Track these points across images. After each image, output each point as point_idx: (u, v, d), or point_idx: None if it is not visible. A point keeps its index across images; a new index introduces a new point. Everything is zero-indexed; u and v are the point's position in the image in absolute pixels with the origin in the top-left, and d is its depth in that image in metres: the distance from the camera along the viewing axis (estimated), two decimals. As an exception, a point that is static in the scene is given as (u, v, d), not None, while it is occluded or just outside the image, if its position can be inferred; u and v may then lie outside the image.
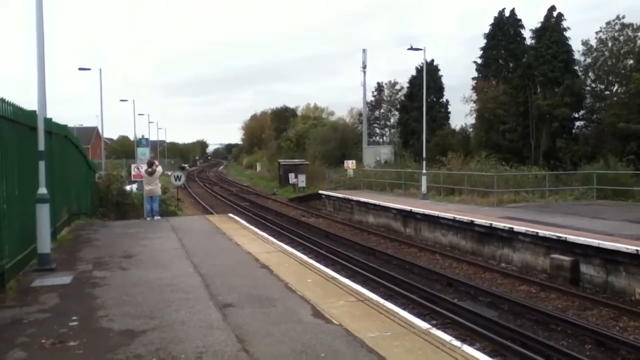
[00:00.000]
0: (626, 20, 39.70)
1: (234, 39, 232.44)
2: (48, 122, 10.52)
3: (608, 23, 40.44)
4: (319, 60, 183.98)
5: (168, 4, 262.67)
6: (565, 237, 13.03)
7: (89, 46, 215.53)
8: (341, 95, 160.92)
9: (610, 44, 40.30)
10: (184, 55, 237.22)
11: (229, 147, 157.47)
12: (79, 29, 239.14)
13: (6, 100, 7.47)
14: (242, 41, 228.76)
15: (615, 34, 40.08)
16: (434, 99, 49.52)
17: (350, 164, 37.40)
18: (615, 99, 39.55)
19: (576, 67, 41.83)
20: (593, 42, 41.05)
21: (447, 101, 52.09)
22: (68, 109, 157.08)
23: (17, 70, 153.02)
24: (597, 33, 40.99)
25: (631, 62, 39.16)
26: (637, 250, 11.17)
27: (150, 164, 16.89)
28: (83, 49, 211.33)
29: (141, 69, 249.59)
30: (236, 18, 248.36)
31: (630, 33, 39.42)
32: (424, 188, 24.42)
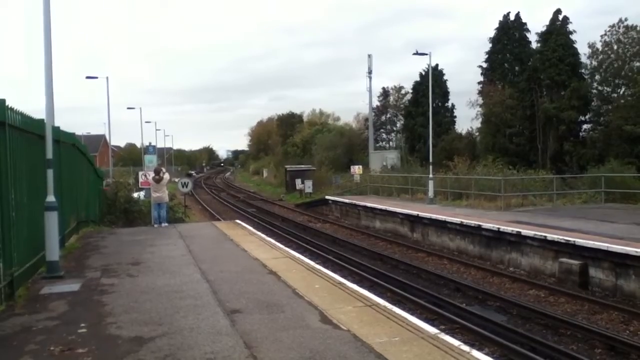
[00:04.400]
0: (630, 23, 39.68)
1: (251, 45, 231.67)
2: (56, 130, 10.59)
3: (612, 26, 40.42)
4: (333, 66, 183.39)
5: (181, 9, 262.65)
6: (574, 241, 12.96)
7: (97, 53, 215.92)
8: (350, 101, 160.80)
9: (615, 47, 40.20)
10: (197, 61, 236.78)
11: (236, 154, 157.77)
12: (86, 35, 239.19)
13: (15, 109, 7.52)
14: (259, 47, 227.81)
15: (621, 37, 39.99)
16: (440, 104, 49.50)
17: (356, 169, 37.38)
18: (622, 101, 39.39)
19: (582, 70, 41.74)
20: (599, 46, 41.04)
21: (453, 106, 52.07)
22: (76, 117, 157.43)
23: (16, 70, 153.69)
24: (601, 36, 40.99)
25: (638, 64, 39.03)
26: (646, 253, 11.10)
27: (157, 172, 16.95)
28: (90, 56, 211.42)
29: (153, 75, 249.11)
30: (250, 20, 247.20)
31: (635, 35, 39.31)
32: (431, 193, 24.37)
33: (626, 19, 39.84)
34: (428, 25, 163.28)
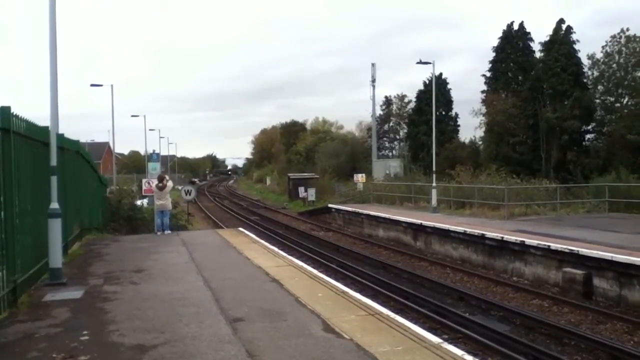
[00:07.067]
0: (631, 33, 39.76)
1: (261, 52, 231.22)
2: (60, 137, 10.62)
3: (613, 36, 40.53)
4: (340, 75, 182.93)
5: (189, 14, 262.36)
6: (578, 250, 12.91)
7: (103, 60, 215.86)
8: (354, 109, 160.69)
9: (617, 57, 40.25)
10: (206, 69, 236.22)
11: (246, 162, 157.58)
12: (93, 41, 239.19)
13: (19, 116, 7.55)
14: (270, 55, 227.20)
15: (622, 47, 40.05)
16: (443, 112, 49.54)
17: (360, 178, 37.42)
18: (625, 111, 39.37)
19: (585, 80, 41.76)
20: (599, 56, 41.14)
21: (457, 114, 52.08)
22: (80, 124, 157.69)
23: (20, 76, 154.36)
24: (603, 47, 41.10)
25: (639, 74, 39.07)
26: (650, 263, 11.05)
27: (160, 179, 16.97)
28: (97, 63, 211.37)
29: (160, 82, 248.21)
30: (259, 27, 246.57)
31: (636, 45, 39.37)
32: (434, 201, 24.34)
33: (628, 29, 40.02)
34: (436, 36, 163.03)
